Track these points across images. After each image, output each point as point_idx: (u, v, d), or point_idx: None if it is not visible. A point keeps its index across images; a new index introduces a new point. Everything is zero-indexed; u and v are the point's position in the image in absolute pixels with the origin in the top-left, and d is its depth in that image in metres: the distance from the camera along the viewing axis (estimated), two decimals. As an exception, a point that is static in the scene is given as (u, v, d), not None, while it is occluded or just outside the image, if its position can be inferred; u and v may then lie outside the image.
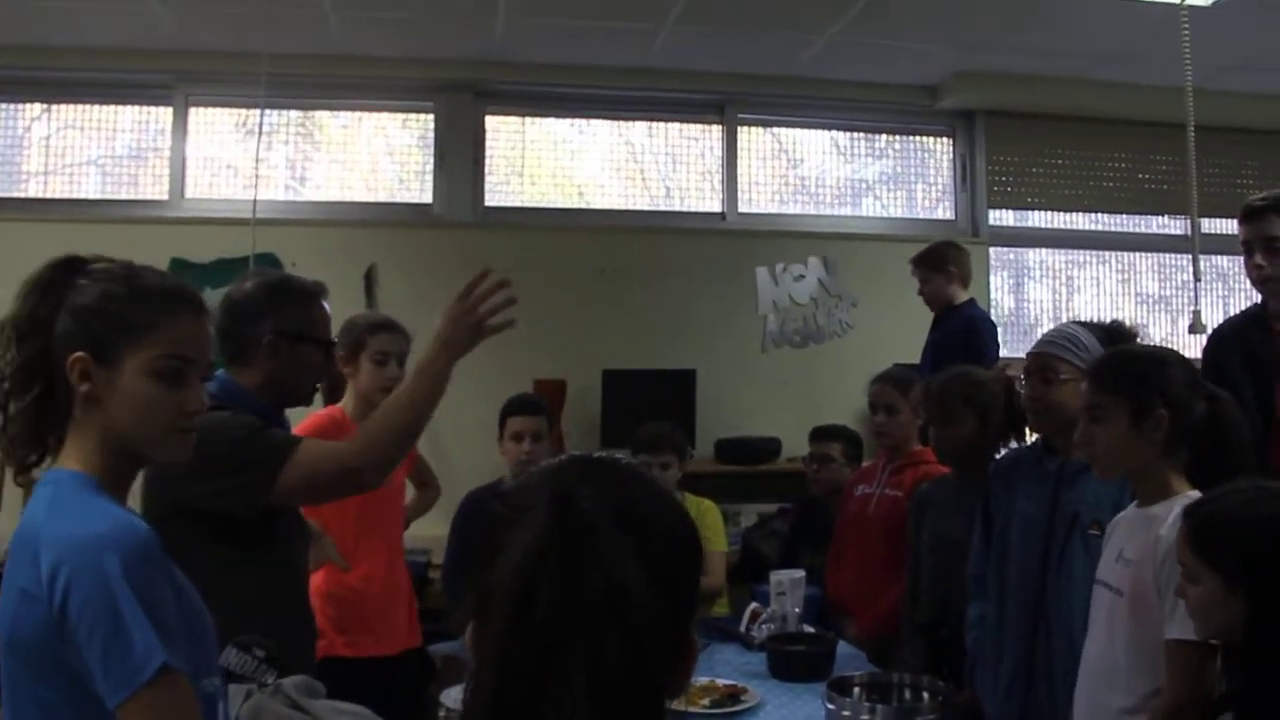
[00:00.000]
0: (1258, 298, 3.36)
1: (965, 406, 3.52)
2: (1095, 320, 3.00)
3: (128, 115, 5.73)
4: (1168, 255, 6.59)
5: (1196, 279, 3.97)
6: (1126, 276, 6.66)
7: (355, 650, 3.40)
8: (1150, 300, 6.73)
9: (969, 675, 3.21)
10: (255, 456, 2.28)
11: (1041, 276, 6.60)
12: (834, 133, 6.38)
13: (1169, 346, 2.64)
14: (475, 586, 1.00)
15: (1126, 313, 6.52)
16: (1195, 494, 2.24)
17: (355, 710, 1.95)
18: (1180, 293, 6.63)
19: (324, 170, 5.96)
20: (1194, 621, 2.06)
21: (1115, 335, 2.91)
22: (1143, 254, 6.63)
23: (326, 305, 2.62)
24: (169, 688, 1.43)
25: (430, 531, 4.36)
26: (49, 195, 5.64)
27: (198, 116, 5.73)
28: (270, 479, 2.27)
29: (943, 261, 4.85)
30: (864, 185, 6.45)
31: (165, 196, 5.63)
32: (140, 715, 1.42)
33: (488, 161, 5.95)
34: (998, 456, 3.47)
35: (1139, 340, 2.92)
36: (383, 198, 5.94)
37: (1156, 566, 2.26)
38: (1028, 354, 3.06)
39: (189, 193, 5.66)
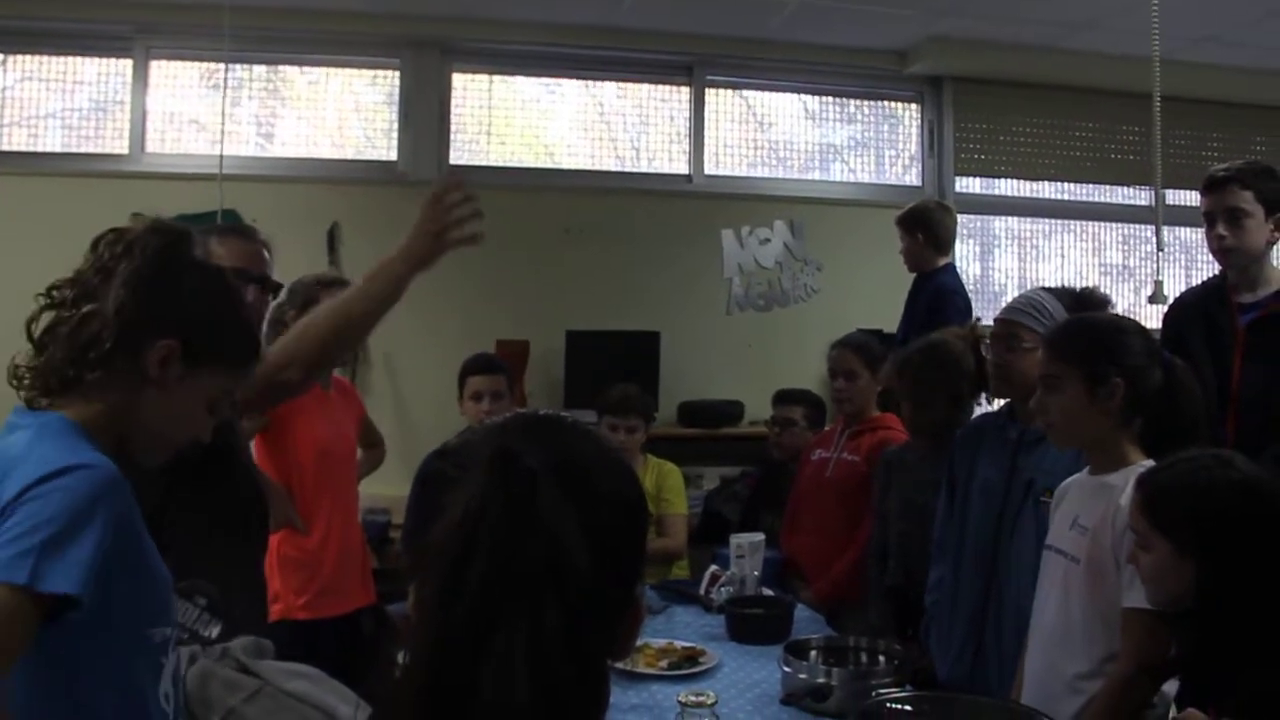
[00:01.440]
0: (1219, 270, 3.38)
1: (937, 391, 3.50)
2: (1065, 287, 3.00)
3: (91, 68, 5.62)
4: (1133, 226, 6.62)
5: (1160, 249, 3.99)
6: (1092, 246, 6.68)
7: (311, 612, 3.39)
8: (1115, 270, 6.76)
9: (923, 636, 3.24)
10: None
11: (1008, 245, 6.62)
12: (803, 96, 6.34)
13: (1127, 315, 2.64)
14: (418, 546, 0.98)
15: (1091, 283, 6.55)
16: (1150, 463, 2.26)
17: (305, 671, 1.94)
18: (1145, 263, 6.67)
19: (291, 127, 5.87)
20: (1146, 588, 2.08)
21: (1084, 302, 2.92)
22: (1109, 224, 6.65)
23: (244, 242, 2.53)
24: (20, 605, 1.35)
25: (391, 491, 4.35)
26: (9, 148, 5.52)
27: (159, 70, 5.62)
28: None
29: (913, 224, 4.78)
30: (832, 150, 6.42)
31: (125, 151, 5.54)
32: None
33: (455, 120, 5.88)
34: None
35: (1109, 308, 2.93)
36: (350, 155, 5.87)
37: (1116, 536, 2.27)
38: (994, 319, 3.07)
39: (150, 147, 5.56)
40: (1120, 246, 6.74)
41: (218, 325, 1.69)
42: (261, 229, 2.98)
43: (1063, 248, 6.66)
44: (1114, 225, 6.66)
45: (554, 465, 0.96)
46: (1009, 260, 6.61)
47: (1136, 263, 6.73)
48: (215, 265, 1.77)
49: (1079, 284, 3.11)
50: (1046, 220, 6.60)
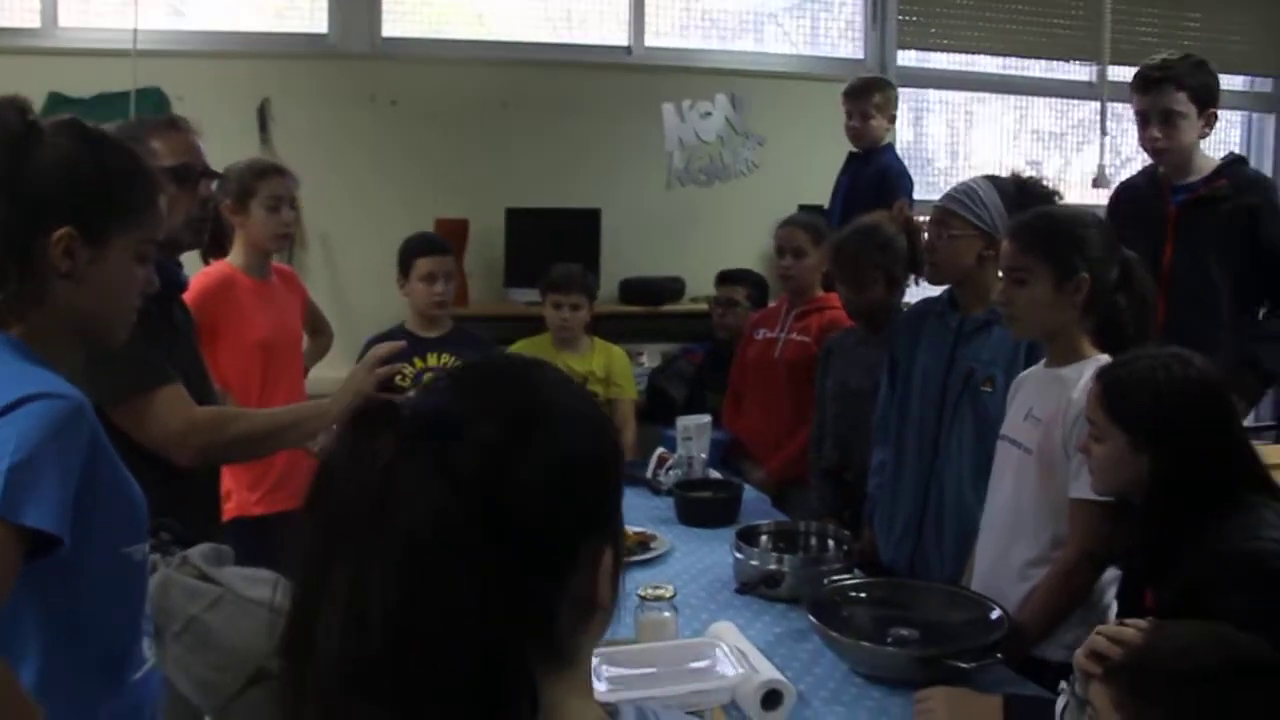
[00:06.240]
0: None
1: (876, 270, 3.54)
2: (1012, 175, 3.00)
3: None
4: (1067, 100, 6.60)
5: (1103, 134, 3.99)
6: (1024, 114, 6.65)
7: (266, 507, 3.37)
8: (1046, 137, 6.76)
9: (868, 519, 3.32)
10: (121, 367, 2.02)
11: (940, 113, 6.57)
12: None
13: (1085, 206, 2.67)
14: None
15: (1023, 150, 6.56)
16: (1104, 357, 2.32)
17: (266, 576, 1.93)
18: (1076, 130, 6.67)
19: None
20: (1095, 477, 2.15)
21: (1028, 191, 2.93)
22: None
23: (182, 134, 2.45)
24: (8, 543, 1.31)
25: (334, 374, 4.28)
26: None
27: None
28: (112, 399, 2.06)
29: (886, 102, 4.69)
30: (770, 17, 6.28)
31: (37, 24, 5.25)
32: None
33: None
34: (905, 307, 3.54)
35: (1057, 200, 2.95)
36: (277, 27, 5.62)
37: (1066, 428, 2.35)
38: (934, 205, 3.08)
39: (62, 20, 5.28)
40: (1054, 114, 6.68)
41: (102, 189, 1.54)
42: (189, 107, 2.87)
43: (996, 116, 6.61)
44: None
45: (435, 411, 0.94)
46: (940, 128, 6.56)
47: (1066, 129, 6.70)
48: (64, 121, 1.57)
49: (1021, 165, 3.11)
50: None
